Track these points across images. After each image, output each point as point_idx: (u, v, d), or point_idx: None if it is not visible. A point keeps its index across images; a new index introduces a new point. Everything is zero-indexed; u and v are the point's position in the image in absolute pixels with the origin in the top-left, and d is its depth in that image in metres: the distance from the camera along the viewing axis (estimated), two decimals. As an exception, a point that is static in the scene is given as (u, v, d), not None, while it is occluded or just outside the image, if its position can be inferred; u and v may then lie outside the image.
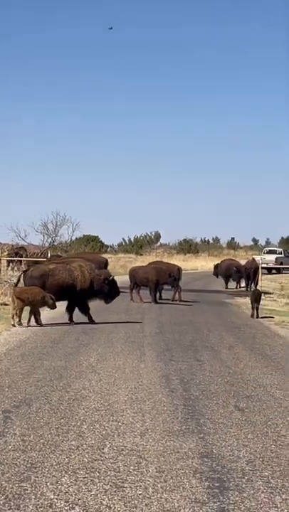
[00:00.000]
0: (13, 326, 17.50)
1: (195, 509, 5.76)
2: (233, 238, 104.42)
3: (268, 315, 22.73)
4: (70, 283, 18.93)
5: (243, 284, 37.06)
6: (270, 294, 32.05)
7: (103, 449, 7.37)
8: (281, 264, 56.63)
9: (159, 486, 6.30)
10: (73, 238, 61.09)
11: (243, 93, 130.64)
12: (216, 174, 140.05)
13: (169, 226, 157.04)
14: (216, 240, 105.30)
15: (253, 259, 39.11)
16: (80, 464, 6.86)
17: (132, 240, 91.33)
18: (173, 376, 11.50)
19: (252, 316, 22.07)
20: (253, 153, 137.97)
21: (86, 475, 6.54)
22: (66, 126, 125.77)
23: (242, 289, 36.32)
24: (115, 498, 5.99)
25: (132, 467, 6.79)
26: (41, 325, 17.75)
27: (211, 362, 13.08)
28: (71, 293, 18.90)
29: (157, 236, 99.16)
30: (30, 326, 17.70)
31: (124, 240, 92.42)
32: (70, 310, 18.98)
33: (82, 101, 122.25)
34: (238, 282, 37.66)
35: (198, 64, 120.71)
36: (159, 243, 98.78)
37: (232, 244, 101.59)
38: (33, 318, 17.95)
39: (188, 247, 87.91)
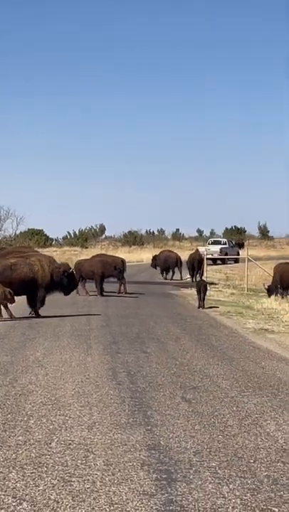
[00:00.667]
0: None
1: (143, 501, 5.77)
2: (177, 229, 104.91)
3: (213, 305, 22.87)
4: (31, 277, 19.08)
5: (186, 276, 37.21)
6: (215, 284, 32.26)
7: (50, 443, 7.33)
8: (226, 254, 57.08)
9: (106, 479, 6.29)
10: (18, 232, 60.76)
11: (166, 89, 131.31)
12: (159, 166, 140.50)
13: (113, 218, 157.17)
14: (161, 231, 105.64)
15: (197, 250, 39.30)
16: (28, 459, 6.82)
17: (77, 233, 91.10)
18: (120, 369, 11.50)
19: (199, 307, 22.21)
20: (196, 145, 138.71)
21: (34, 470, 6.50)
22: (11, 118, 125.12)
23: (185, 280, 36.46)
24: (63, 492, 5.97)
25: (79, 461, 6.77)
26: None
27: (158, 354, 13.11)
28: (32, 287, 19.07)
29: (102, 229, 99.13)
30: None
31: (69, 233, 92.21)
32: (32, 304, 19.25)
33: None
34: (174, 273, 37.94)
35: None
36: (104, 236, 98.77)
37: (177, 236, 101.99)
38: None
39: (133, 239, 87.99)
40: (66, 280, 19.57)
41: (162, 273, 38.07)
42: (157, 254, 40.15)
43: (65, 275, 19.53)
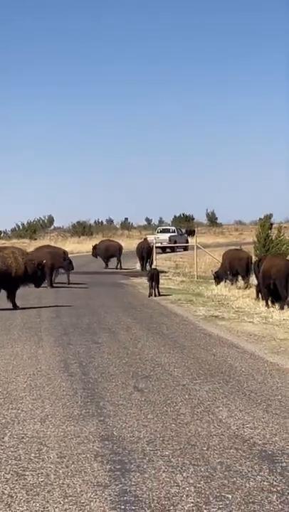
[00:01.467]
0: None
1: (97, 493, 5.77)
2: (126, 219, 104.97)
3: (164, 294, 22.92)
4: (5, 269, 19.06)
5: (136, 265, 37.24)
6: (165, 272, 32.32)
7: (3, 437, 7.29)
8: (175, 242, 57.18)
9: (60, 471, 6.27)
10: None
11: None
12: (106, 156, 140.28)
13: (62, 209, 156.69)
14: (110, 221, 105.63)
15: (145, 239, 39.32)
16: (-20, 454, 6.77)
17: (26, 224, 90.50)
18: (71, 360, 11.48)
19: (150, 295, 22.27)
20: (143, 134, 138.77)
21: (-14, 466, 6.46)
22: None
23: (133, 270, 36.49)
24: (17, 486, 5.94)
25: (32, 454, 6.75)
26: None
27: (109, 344, 13.11)
28: (6, 280, 19.05)
29: (50, 220, 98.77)
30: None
31: (17, 225, 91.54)
32: (11, 296, 19.31)
33: None
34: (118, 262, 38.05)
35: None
36: (52, 227, 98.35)
37: (126, 225, 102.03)
38: None
39: (82, 229, 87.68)
40: (40, 272, 19.76)
41: (105, 262, 38.07)
42: (97, 243, 40.17)
43: (39, 268, 19.68)
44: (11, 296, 19.25)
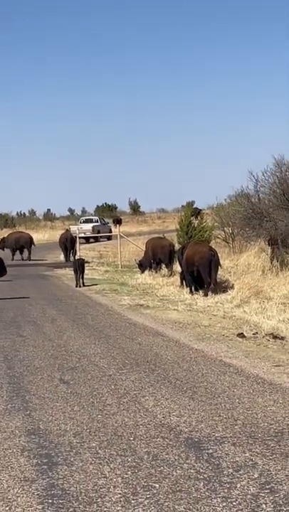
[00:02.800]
0: None
1: (24, 488, 5.73)
2: (49, 210, 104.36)
3: (88, 284, 22.87)
4: None
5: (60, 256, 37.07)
6: (88, 263, 32.24)
7: None
8: (98, 232, 57.13)
9: (-14, 468, 6.21)
10: None
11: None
12: (27, 145, 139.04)
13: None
14: (32, 212, 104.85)
15: (67, 230, 39.10)
16: None
17: None
18: (-4, 354, 11.36)
19: (76, 285, 22.23)
20: (66, 122, 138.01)
21: None
22: None
23: (57, 260, 36.32)
24: None
25: None
26: None
27: (34, 337, 13.02)
28: None
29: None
30: None
31: None
32: None
33: None
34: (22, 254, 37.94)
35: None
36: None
37: (48, 216, 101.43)
38: None
39: (4, 221, 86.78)
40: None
41: (13, 254, 37.80)
42: (5, 236, 39.94)
43: None
44: None
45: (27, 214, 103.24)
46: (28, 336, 13.15)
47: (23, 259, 36.94)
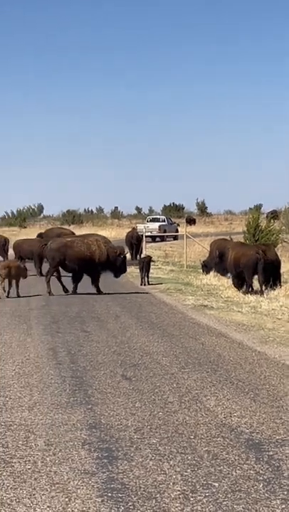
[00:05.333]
0: None
1: (84, 480, 5.79)
2: (116, 207, 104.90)
3: (153, 283, 22.94)
4: (89, 256, 19.95)
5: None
6: (154, 261, 32.28)
7: (-9, 425, 7.30)
8: (165, 231, 57.16)
9: (48, 459, 6.29)
10: None
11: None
12: (98, 144, 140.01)
13: (52, 198, 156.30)
14: (100, 210, 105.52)
15: (134, 228, 39.20)
16: None
17: (15, 212, 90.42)
18: (60, 348, 11.48)
19: (141, 284, 22.35)
20: (135, 122, 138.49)
21: (-26, 453, 6.47)
22: None
23: None
24: (4, 474, 5.95)
25: (20, 442, 6.76)
26: (19, 295, 19.04)
27: (98, 332, 13.12)
28: (88, 265, 20.00)
29: (40, 208, 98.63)
30: (9, 297, 18.97)
31: (6, 213, 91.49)
32: (76, 280, 20.34)
33: None
34: None
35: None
36: (42, 215, 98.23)
37: (116, 214, 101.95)
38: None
39: (71, 218, 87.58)
40: (120, 262, 20.46)
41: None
42: (43, 231, 39.61)
43: (121, 257, 20.41)
44: (95, 282, 20.14)
45: (94, 211, 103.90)
46: (92, 331, 13.25)
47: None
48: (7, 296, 18.98)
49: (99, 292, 20.01)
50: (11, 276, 19.34)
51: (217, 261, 22.96)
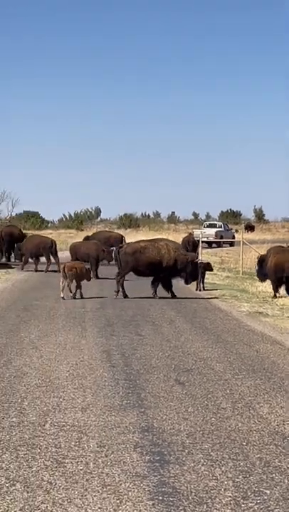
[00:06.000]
0: (63, 298, 18.94)
1: (136, 483, 5.80)
2: (173, 212, 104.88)
3: (208, 289, 22.89)
4: (158, 260, 20.18)
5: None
6: (211, 270, 32.17)
7: (44, 425, 7.36)
8: (221, 237, 57.00)
9: (100, 461, 6.32)
10: (13, 214, 60.73)
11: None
12: (155, 148, 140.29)
13: (109, 201, 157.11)
14: (157, 214, 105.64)
15: (190, 233, 39.19)
16: (21, 440, 6.85)
17: (73, 215, 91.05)
18: (114, 351, 11.52)
19: (197, 289, 22.35)
20: (192, 126, 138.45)
21: (27, 451, 6.53)
22: (5, 103, 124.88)
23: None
24: (56, 474, 6.00)
25: (73, 443, 6.80)
26: (82, 296, 19.44)
27: (152, 336, 13.13)
28: (158, 269, 20.21)
29: (97, 211, 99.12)
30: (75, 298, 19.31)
31: (64, 215, 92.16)
32: (154, 285, 20.45)
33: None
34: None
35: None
36: (99, 218, 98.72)
37: (172, 219, 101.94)
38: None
39: (128, 221, 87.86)
40: (190, 268, 20.63)
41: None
42: (90, 235, 39.41)
43: (190, 263, 20.59)
44: (168, 287, 20.45)
45: (151, 215, 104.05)
46: (146, 335, 13.27)
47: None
48: (73, 298, 19.21)
49: (173, 296, 20.23)
50: (75, 278, 19.60)
51: (257, 267, 22.92)
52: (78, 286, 19.58)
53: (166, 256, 20.25)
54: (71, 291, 19.42)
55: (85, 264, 21.01)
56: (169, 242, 21.32)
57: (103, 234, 39.15)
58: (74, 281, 19.57)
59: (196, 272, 21.08)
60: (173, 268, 20.31)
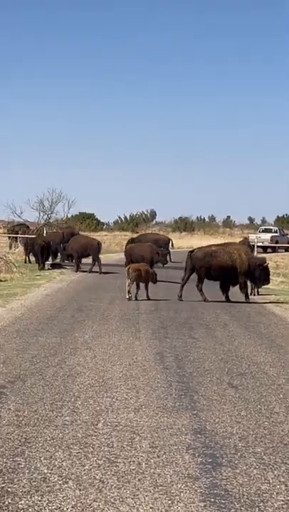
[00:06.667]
0: (129, 299, 19.31)
1: (188, 484, 5.80)
2: (228, 217, 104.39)
3: (262, 293, 22.77)
4: (230, 264, 20.38)
5: None
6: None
7: (97, 424, 7.40)
8: (276, 242, 56.69)
9: (152, 461, 6.33)
10: (69, 215, 61.07)
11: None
12: (213, 152, 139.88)
13: (164, 204, 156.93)
14: (212, 218, 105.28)
15: (245, 238, 38.98)
16: (74, 439, 6.90)
17: (128, 217, 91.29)
18: (167, 353, 11.54)
19: (251, 293, 22.24)
20: (250, 131, 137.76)
21: (80, 450, 6.57)
22: (65, 104, 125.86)
23: None
24: (108, 473, 6.03)
25: (125, 443, 6.83)
26: (149, 298, 19.61)
27: (206, 339, 13.11)
28: (230, 274, 20.42)
29: (153, 214, 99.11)
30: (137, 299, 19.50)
31: (119, 217, 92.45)
32: (225, 289, 20.74)
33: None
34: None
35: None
36: (154, 221, 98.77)
37: (228, 223, 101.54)
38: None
39: (183, 225, 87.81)
40: (259, 272, 20.76)
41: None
42: (134, 237, 39.01)
43: (260, 268, 20.73)
44: (225, 288, 20.65)
45: (206, 219, 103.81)
46: (200, 338, 13.26)
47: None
48: (135, 299, 19.39)
49: (247, 298, 20.42)
50: (140, 280, 19.82)
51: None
52: (145, 288, 19.82)
53: (238, 261, 20.37)
54: (130, 292, 19.56)
55: (150, 268, 21.10)
56: (240, 247, 21.51)
57: (150, 236, 39.07)
58: (139, 283, 19.85)
59: (267, 275, 21.06)
60: (246, 272, 20.41)
